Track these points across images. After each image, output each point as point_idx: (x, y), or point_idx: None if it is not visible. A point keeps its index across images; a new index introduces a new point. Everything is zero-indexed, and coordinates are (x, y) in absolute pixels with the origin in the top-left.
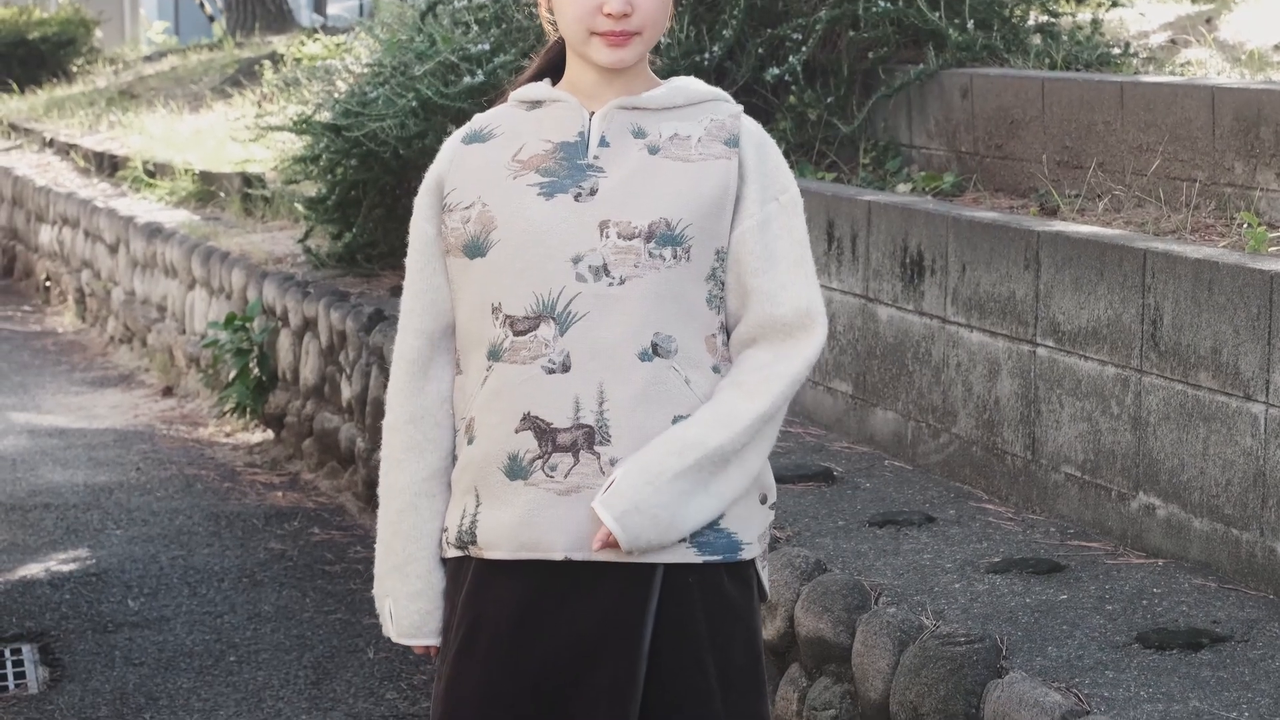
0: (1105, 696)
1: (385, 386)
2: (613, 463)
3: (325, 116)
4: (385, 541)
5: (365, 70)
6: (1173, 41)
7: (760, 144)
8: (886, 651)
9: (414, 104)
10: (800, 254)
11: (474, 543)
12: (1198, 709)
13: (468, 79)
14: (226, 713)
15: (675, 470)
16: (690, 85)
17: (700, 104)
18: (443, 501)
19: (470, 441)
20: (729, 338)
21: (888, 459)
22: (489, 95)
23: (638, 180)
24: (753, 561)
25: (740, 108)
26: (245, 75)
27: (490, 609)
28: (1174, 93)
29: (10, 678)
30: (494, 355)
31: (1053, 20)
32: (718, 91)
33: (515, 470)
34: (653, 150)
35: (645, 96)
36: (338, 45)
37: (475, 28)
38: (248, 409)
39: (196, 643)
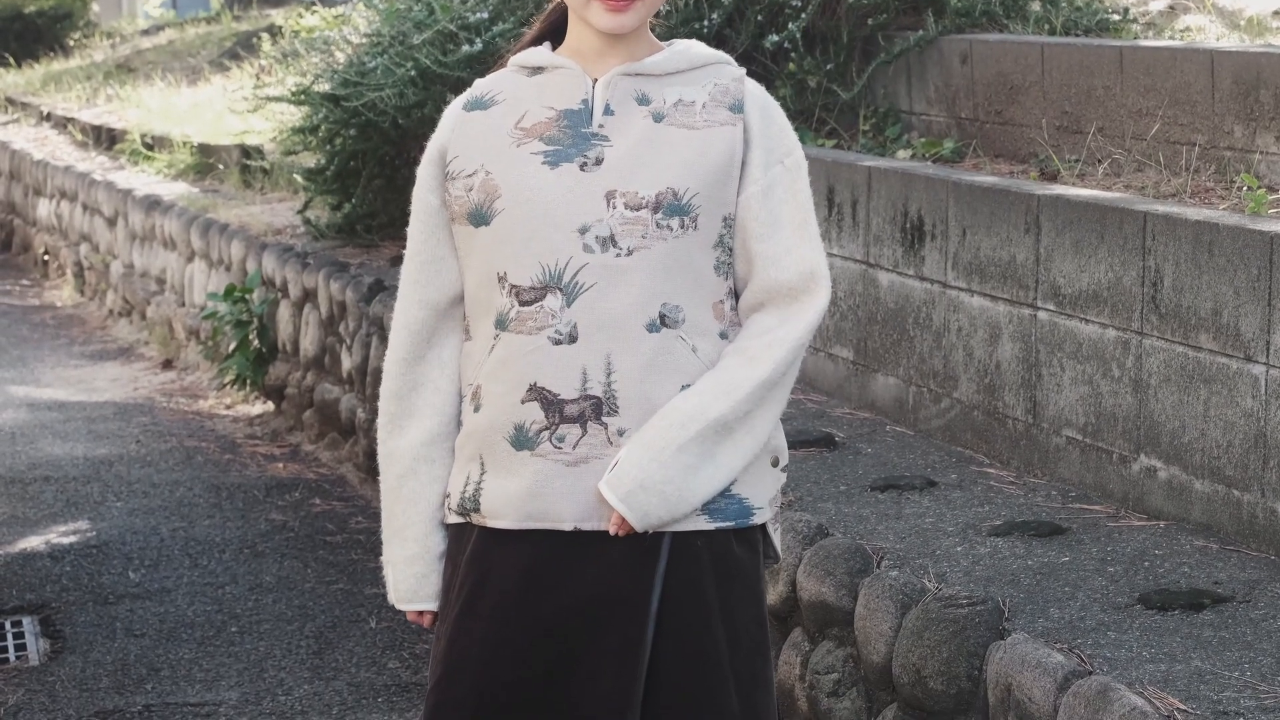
0: (1108, 657)
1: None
2: (621, 433)
3: (324, 87)
4: (386, 507)
5: (364, 40)
6: (1171, 8)
7: (764, 108)
8: (889, 615)
9: (412, 73)
10: (804, 217)
11: (477, 510)
12: (1200, 669)
13: (466, 48)
14: (228, 683)
15: (678, 443)
16: (692, 49)
17: (703, 68)
18: (443, 467)
19: (477, 409)
20: (737, 302)
21: (889, 424)
22: (488, 64)
23: (644, 149)
24: (763, 525)
25: (743, 71)
26: (243, 48)
27: (496, 571)
28: (1173, 57)
29: (11, 649)
30: (501, 324)
31: None
32: (720, 55)
33: (521, 441)
34: (657, 118)
35: (648, 62)
36: (336, 17)
37: None
38: (248, 381)
39: (198, 614)
